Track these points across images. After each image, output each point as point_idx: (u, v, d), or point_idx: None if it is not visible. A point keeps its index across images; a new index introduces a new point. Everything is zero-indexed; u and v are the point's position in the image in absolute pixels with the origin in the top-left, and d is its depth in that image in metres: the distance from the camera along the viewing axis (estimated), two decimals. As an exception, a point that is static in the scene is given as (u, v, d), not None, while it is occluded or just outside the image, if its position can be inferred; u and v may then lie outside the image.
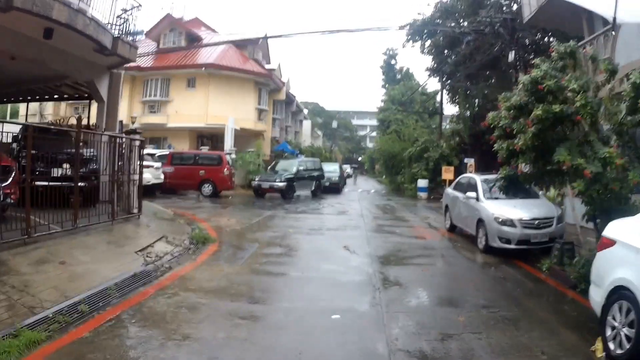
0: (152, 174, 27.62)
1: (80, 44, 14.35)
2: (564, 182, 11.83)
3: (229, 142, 38.38)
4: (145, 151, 31.57)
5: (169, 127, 41.50)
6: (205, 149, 36.82)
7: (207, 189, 30.44)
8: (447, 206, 19.15)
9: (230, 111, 39.47)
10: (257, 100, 43.91)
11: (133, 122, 17.67)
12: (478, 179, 16.61)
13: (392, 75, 76.00)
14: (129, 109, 40.81)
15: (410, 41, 38.23)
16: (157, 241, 13.49)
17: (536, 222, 13.76)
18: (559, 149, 10.16)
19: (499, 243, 13.89)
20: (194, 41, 44.47)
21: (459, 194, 17.50)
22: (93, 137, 15.02)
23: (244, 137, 41.35)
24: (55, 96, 25.09)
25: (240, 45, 44.93)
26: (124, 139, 15.96)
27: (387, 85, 74.07)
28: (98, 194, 14.59)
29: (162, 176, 29.21)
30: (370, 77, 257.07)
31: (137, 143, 16.72)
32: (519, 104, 11.64)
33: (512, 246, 13.70)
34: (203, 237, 14.64)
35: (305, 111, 78.14)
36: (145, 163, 26.30)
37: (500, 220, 13.96)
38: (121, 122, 24.75)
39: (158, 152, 33.31)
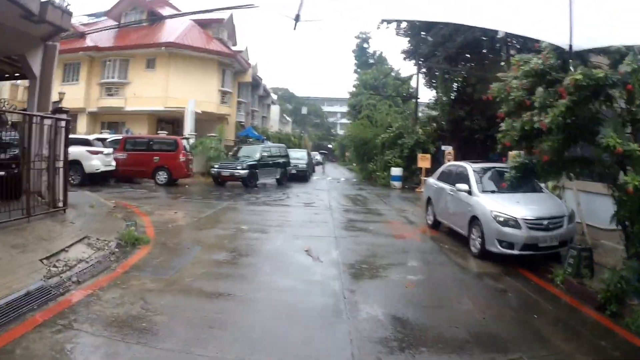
0: (102, 161, 25.09)
1: (3, 10, 11.94)
2: (602, 174, 8.86)
3: (188, 126, 35.66)
4: (95, 136, 29.24)
5: (127, 110, 38.17)
6: (163, 134, 33.59)
7: (161, 176, 27.64)
8: (429, 199, 16.27)
9: (191, 93, 36.48)
10: (220, 82, 40.55)
11: (61, 100, 15.06)
12: (470, 168, 13.79)
13: (365, 59, 72.77)
14: (86, 92, 38.47)
15: (385, 22, 35.22)
16: (76, 243, 10.75)
17: (545, 222, 11.01)
18: (604, 130, 7.30)
19: (498, 248, 11.10)
20: (156, 21, 41.12)
21: (445, 186, 14.70)
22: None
23: (206, 121, 38.18)
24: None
25: (205, 24, 41.96)
26: (38, 119, 13.15)
27: (359, 70, 70.80)
28: (21, 184, 12.29)
29: (114, 163, 26.37)
30: (342, 63, 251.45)
31: (63, 124, 13.87)
32: (541, 70, 8.68)
33: (516, 252, 10.93)
34: (134, 238, 11.70)
35: (274, 96, 74.54)
36: (94, 149, 24.24)
37: (500, 219, 11.18)
38: (57, 102, 22.11)
39: (110, 137, 30.31)
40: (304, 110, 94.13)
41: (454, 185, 13.72)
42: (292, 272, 9.97)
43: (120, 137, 29.74)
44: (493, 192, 12.60)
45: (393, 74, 58.49)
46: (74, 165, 23.88)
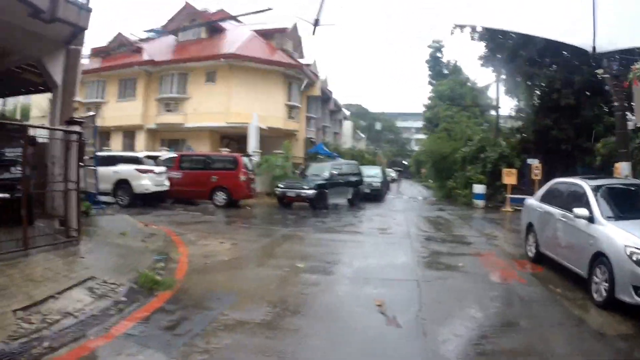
0: (152, 180, 22.82)
1: (6, 7, 10.33)
2: None
3: (252, 143, 32.95)
4: (145, 153, 26.74)
5: (187, 127, 36.11)
6: (225, 151, 31.06)
7: (220, 197, 24.85)
8: (530, 225, 12.78)
9: (255, 108, 33.77)
10: (287, 95, 37.74)
11: (75, 109, 12.78)
12: (587, 186, 10.38)
13: (439, 69, 68.57)
14: (144, 109, 36.93)
15: (458, 27, 31.97)
16: (74, 287, 8.11)
17: None
18: None
19: (634, 297, 7.71)
20: (215, 33, 39.27)
21: (554, 210, 11.32)
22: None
23: (273, 137, 35.34)
24: (22, 89, 20.68)
25: (267, 35, 39.50)
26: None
27: (434, 82, 66.96)
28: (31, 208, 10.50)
29: (167, 183, 24.01)
30: (416, 75, 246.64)
31: (74, 137, 11.66)
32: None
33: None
34: (152, 281, 8.91)
35: (347, 112, 71.15)
36: (143, 167, 22.79)
37: (639, 257, 7.81)
38: (93, 116, 19.76)
39: (165, 154, 28.07)
40: (378, 126, 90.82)
41: (567, 210, 10.43)
42: (355, 346, 6.68)
43: (174, 155, 27.30)
44: (622, 218, 9.22)
45: (469, 84, 54.86)
46: (122, 185, 22.46)
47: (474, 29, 31.63)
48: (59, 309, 7.06)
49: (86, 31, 12.97)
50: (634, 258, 7.80)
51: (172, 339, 6.52)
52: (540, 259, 12.00)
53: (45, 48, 12.76)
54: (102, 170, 21.70)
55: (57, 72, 13.07)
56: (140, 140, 36.93)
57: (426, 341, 6.85)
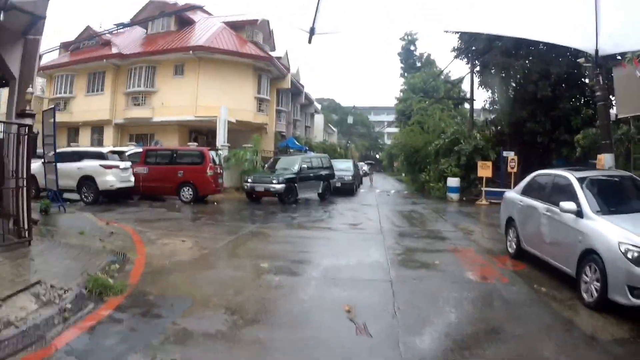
0: (117, 176, 21.91)
1: None
2: None
3: (221, 137, 32.06)
4: (109, 148, 25.74)
5: (155, 121, 34.99)
6: (193, 145, 30.34)
7: (186, 193, 24.08)
8: (510, 219, 12.19)
9: (224, 101, 32.75)
10: (256, 88, 36.72)
11: (29, 101, 12.05)
12: (573, 178, 9.70)
13: (412, 62, 68.11)
14: (112, 103, 35.78)
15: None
16: (19, 293, 7.26)
17: None
18: None
19: (629, 297, 7.13)
20: (185, 25, 38.13)
21: (537, 203, 10.68)
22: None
23: (242, 131, 34.49)
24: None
25: (237, 27, 38.51)
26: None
27: (406, 74, 66.46)
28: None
29: (132, 178, 23.16)
30: (388, 68, 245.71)
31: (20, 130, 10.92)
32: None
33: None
34: (102, 285, 8.13)
35: (318, 106, 69.99)
36: (108, 163, 22.01)
37: (635, 255, 7.20)
38: (52, 109, 18.93)
39: (131, 149, 27.01)
40: (350, 120, 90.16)
41: (552, 203, 9.80)
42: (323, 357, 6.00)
43: (141, 150, 26.39)
44: (613, 212, 8.63)
45: (442, 76, 54.41)
46: (87, 181, 21.58)
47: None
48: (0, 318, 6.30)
49: (45, 20, 12.14)
50: (629, 256, 7.22)
51: (116, 355, 5.78)
52: (521, 254, 11.42)
53: (2, 40, 11.79)
54: (66, 166, 21.22)
55: (14, 64, 12.20)
56: (109, 135, 35.79)
57: (400, 354, 6.06)
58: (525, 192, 11.74)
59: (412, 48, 68.51)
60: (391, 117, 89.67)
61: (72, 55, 38.38)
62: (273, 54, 40.32)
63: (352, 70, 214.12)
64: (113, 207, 20.65)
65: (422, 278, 10.23)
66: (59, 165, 22.02)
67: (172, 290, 8.68)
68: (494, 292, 9.08)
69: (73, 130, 37.67)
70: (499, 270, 10.79)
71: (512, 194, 12.65)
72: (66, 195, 19.93)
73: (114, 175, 21.81)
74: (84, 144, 34.20)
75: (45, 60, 39.40)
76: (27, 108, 11.98)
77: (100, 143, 34.95)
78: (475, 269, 11.18)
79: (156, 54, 35.01)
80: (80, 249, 11.10)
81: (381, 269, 10.80)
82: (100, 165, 21.64)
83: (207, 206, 23.16)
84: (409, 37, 67.47)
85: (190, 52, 33.66)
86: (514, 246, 11.76)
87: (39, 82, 36.49)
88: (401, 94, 63.00)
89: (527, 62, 28.81)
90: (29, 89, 11.74)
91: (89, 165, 21.81)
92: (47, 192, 18.16)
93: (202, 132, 37.44)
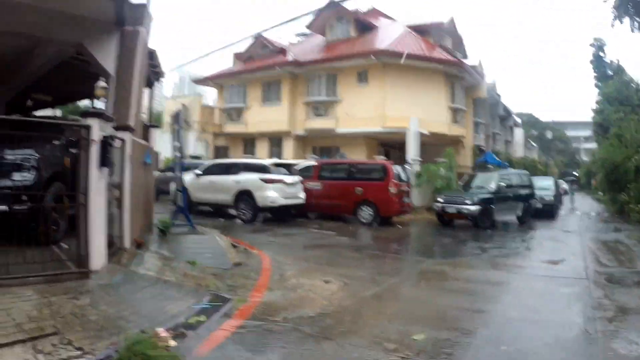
0: (281, 192, 18.90)
1: None
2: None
3: (412, 150, 27.69)
4: (273, 160, 22.20)
5: (339, 132, 31.21)
6: (381, 159, 25.55)
7: (365, 213, 20.03)
8: None
9: (414, 111, 28.47)
10: (450, 97, 31.68)
11: (98, 98, 9.12)
12: None
13: (603, 70, 60.27)
14: (291, 114, 32.91)
15: (617, 19, 24.88)
16: (17, 344, 5.12)
17: None
18: None
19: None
20: (366, 31, 34.45)
21: None
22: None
23: (436, 145, 29.97)
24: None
25: (422, 31, 33.74)
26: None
27: (599, 84, 58.91)
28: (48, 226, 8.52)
29: (302, 195, 20.01)
30: (581, 79, 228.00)
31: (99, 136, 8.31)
32: None
33: None
34: (142, 354, 4.93)
35: (518, 119, 63.52)
36: (269, 176, 19.13)
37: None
38: (177, 114, 15.97)
39: (302, 162, 23.92)
40: (549, 135, 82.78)
41: None
42: None
43: (315, 163, 22.89)
44: None
45: (633, 85, 46.92)
46: (244, 196, 18.85)
47: (633, 19, 24.59)
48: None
49: (147, 9, 10.86)
50: None
51: None
52: None
53: (87, 29, 10.10)
54: (222, 179, 19.47)
55: (107, 59, 10.37)
56: (289, 147, 33.16)
57: None
58: None
59: (601, 54, 60.50)
60: (587, 132, 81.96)
61: (244, 65, 36.68)
62: (466, 62, 35.24)
63: (547, 82, 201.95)
64: (270, 228, 17.59)
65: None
66: (214, 178, 19.95)
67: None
68: None
69: (249, 142, 35.75)
70: None
71: None
72: (230, 211, 18.70)
73: (277, 191, 18.75)
74: (261, 156, 32.04)
75: (215, 70, 38.86)
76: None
77: (279, 155, 32.30)
78: None
79: (335, 61, 31.70)
80: (167, 287, 8.09)
81: (588, 354, 6.12)
82: (261, 179, 18.68)
83: (385, 230, 18.87)
84: (598, 43, 59.60)
85: (372, 57, 29.60)
86: None
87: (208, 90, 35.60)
88: (597, 105, 55.55)
89: None
90: (101, 82, 8.78)
91: (247, 179, 19.04)
92: (175, 208, 14.88)
93: (393, 146, 33.30)
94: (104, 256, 8.36)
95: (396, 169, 20.91)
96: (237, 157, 30.53)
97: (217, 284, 8.56)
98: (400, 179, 20.66)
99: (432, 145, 29.74)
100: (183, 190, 15.47)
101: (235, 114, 35.31)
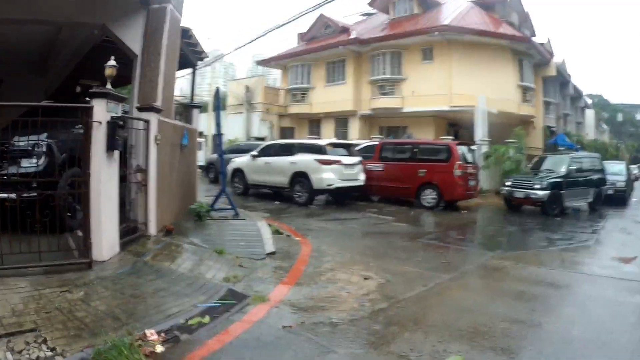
0: (338, 173, 17.68)
1: None
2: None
3: (480, 130, 26.17)
4: (329, 140, 20.77)
5: (406, 111, 29.98)
6: (449, 140, 23.57)
7: (428, 197, 18.57)
8: None
9: (481, 89, 26.74)
10: (518, 74, 29.82)
11: (109, 79, 8.30)
12: None
13: None
14: (356, 93, 31.85)
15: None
16: None
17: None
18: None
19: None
20: (430, 7, 33.00)
21: None
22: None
23: (505, 125, 27.57)
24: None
25: (486, 5, 31.85)
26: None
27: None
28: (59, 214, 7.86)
29: (362, 177, 18.80)
30: None
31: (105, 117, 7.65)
32: None
33: None
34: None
35: (589, 100, 60.11)
36: (324, 157, 17.92)
37: None
38: (217, 91, 15.09)
39: (363, 142, 22.85)
40: (619, 117, 78.96)
41: None
42: None
43: (376, 143, 21.57)
44: None
45: None
46: (300, 178, 17.89)
47: None
48: None
49: None
50: None
51: None
52: None
53: (111, 9, 9.64)
54: (278, 160, 18.64)
55: (132, 39, 9.86)
56: (355, 127, 32.12)
57: None
58: None
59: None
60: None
61: (307, 45, 35.79)
62: (533, 40, 33.08)
63: (618, 64, 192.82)
64: (325, 212, 16.64)
65: None
66: (270, 159, 19.12)
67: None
68: None
69: (314, 123, 34.87)
70: None
71: None
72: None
73: (334, 172, 17.55)
74: (327, 136, 30.88)
75: (278, 51, 38.34)
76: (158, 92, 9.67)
77: (344, 136, 31.39)
78: None
79: (399, 38, 30.23)
80: (178, 280, 7.25)
81: None
82: (316, 160, 17.54)
83: (448, 216, 17.38)
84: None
85: (436, 33, 28.11)
86: None
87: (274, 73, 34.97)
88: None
89: None
90: (111, 62, 7.85)
91: (303, 160, 18.00)
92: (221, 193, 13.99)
93: (460, 125, 31.70)
94: (115, 245, 7.77)
95: (461, 149, 19.24)
96: (302, 138, 29.88)
97: (240, 276, 7.61)
98: (466, 161, 19.08)
99: (501, 125, 27.66)
100: (222, 172, 14.66)
101: (299, 94, 34.52)
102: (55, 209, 7.53)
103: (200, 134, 39.15)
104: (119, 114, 7.81)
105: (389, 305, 6.81)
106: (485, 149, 25.02)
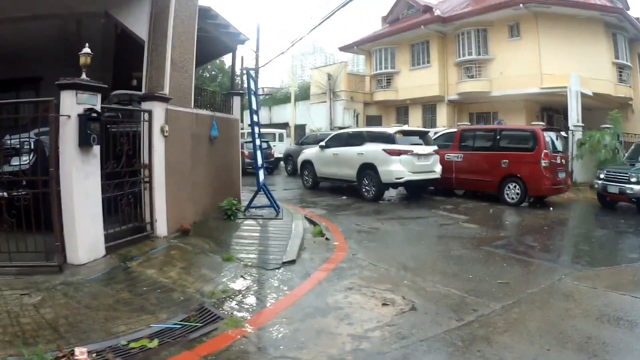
0: (409, 165, 15.95)
1: None
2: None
3: (574, 113, 23.05)
4: (398, 127, 18.45)
5: (494, 95, 27.64)
6: (539, 125, 19.81)
7: (511, 191, 16.27)
8: None
9: (573, 67, 23.81)
10: (612, 51, 26.48)
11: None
12: None
13: None
14: (441, 77, 29.93)
15: None
16: None
17: None
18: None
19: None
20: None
21: None
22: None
23: (600, 109, 24.88)
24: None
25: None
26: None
27: None
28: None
29: (438, 168, 16.91)
30: None
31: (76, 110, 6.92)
32: None
33: None
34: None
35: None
36: (393, 147, 16.13)
37: None
38: (248, 72, 13.95)
39: (440, 130, 21.08)
40: None
41: None
42: None
43: (454, 130, 19.55)
44: None
45: None
46: (368, 170, 16.29)
47: None
48: None
49: None
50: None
51: None
52: None
53: None
54: (345, 151, 17.21)
55: (138, 24, 9.23)
56: (442, 114, 30.15)
57: None
58: None
59: None
60: None
61: (389, 27, 33.94)
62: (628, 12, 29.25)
63: None
64: (391, 209, 15.10)
65: None
66: (338, 150, 17.74)
67: None
68: None
69: (402, 109, 33.15)
70: None
71: None
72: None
73: (403, 164, 15.81)
74: (414, 124, 29.28)
75: (361, 35, 36.55)
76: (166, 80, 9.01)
77: (432, 123, 29.56)
78: None
79: (482, 13, 27.72)
80: (150, 292, 6.32)
81: None
82: (384, 150, 15.93)
83: (531, 214, 14.86)
84: None
85: (521, 5, 25.30)
86: None
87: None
88: None
89: None
90: (85, 49, 6.98)
91: (370, 150, 16.47)
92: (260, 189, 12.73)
93: (554, 110, 29.02)
94: (99, 248, 7.18)
95: (549, 136, 16.75)
96: (389, 127, 28.24)
97: (230, 291, 6.48)
98: (555, 149, 16.60)
99: (596, 109, 25.13)
100: (256, 165, 12.91)
101: (384, 79, 32.80)
102: (40, 208, 6.83)
103: (285, 125, 38.61)
104: (97, 106, 6.87)
105: (395, 351, 5.02)
106: (579, 135, 22.22)
